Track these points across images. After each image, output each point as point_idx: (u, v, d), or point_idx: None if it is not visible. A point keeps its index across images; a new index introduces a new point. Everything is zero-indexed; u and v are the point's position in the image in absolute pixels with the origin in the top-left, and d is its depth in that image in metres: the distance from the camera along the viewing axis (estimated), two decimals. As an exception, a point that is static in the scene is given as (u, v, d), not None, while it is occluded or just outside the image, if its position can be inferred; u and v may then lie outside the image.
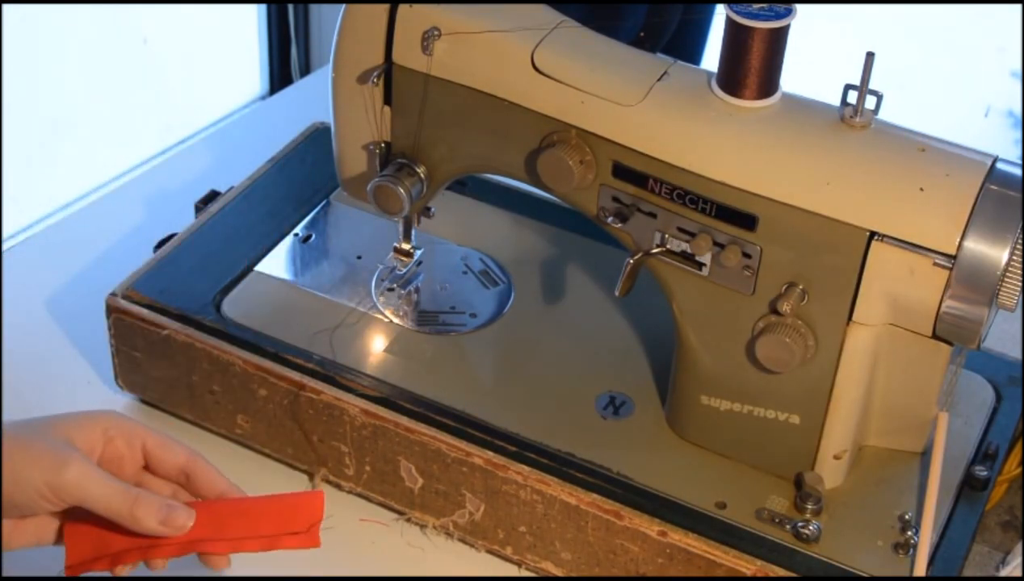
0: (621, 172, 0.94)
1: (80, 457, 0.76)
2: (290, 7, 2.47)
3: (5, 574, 1.00)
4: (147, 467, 0.83)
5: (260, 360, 1.05)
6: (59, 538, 0.81)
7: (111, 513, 0.77)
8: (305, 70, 2.54)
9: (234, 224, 1.18)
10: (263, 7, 2.47)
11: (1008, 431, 1.05)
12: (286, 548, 0.82)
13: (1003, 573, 1.02)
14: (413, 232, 1.11)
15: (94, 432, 0.79)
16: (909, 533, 0.96)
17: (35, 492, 0.75)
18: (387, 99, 1.02)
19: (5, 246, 1.37)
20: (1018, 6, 2.84)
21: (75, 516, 0.80)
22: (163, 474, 0.83)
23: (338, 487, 1.07)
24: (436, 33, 0.96)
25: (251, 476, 1.09)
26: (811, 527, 0.95)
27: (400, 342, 1.09)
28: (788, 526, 0.96)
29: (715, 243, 0.93)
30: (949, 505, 0.99)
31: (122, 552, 0.80)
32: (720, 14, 0.91)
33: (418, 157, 1.03)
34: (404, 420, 1.01)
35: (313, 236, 1.18)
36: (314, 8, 2.49)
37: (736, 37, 0.90)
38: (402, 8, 0.97)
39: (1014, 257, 0.85)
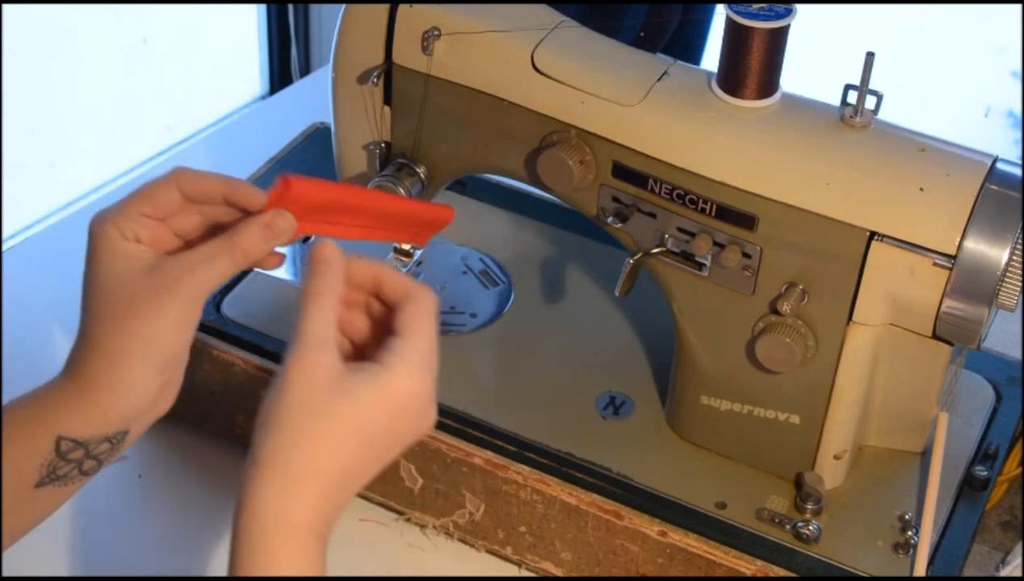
0: (621, 172, 0.94)
1: (172, 276, 0.76)
2: (290, 7, 2.47)
3: (5, 574, 1.00)
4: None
5: (260, 360, 1.05)
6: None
7: (225, 272, 0.77)
8: (305, 70, 2.54)
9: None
10: (263, 7, 2.48)
11: (1008, 431, 1.05)
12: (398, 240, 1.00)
13: (1003, 573, 1.02)
14: (413, 232, 1.11)
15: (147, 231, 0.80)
16: (909, 533, 0.96)
17: (180, 316, 0.76)
18: (387, 99, 1.02)
19: (5, 246, 1.36)
20: (1018, 6, 2.84)
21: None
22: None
23: (338, 487, 1.07)
24: (436, 33, 0.96)
25: (251, 476, 1.09)
26: (811, 527, 0.95)
27: (400, 342, 1.08)
28: (788, 526, 0.96)
29: (715, 243, 0.93)
30: (949, 505, 0.99)
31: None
32: (720, 14, 0.91)
33: (418, 157, 1.03)
34: (404, 420, 1.01)
35: (313, 236, 1.18)
36: (314, 8, 2.49)
37: (736, 37, 0.90)
38: (402, 8, 0.97)
39: (1014, 257, 0.85)
